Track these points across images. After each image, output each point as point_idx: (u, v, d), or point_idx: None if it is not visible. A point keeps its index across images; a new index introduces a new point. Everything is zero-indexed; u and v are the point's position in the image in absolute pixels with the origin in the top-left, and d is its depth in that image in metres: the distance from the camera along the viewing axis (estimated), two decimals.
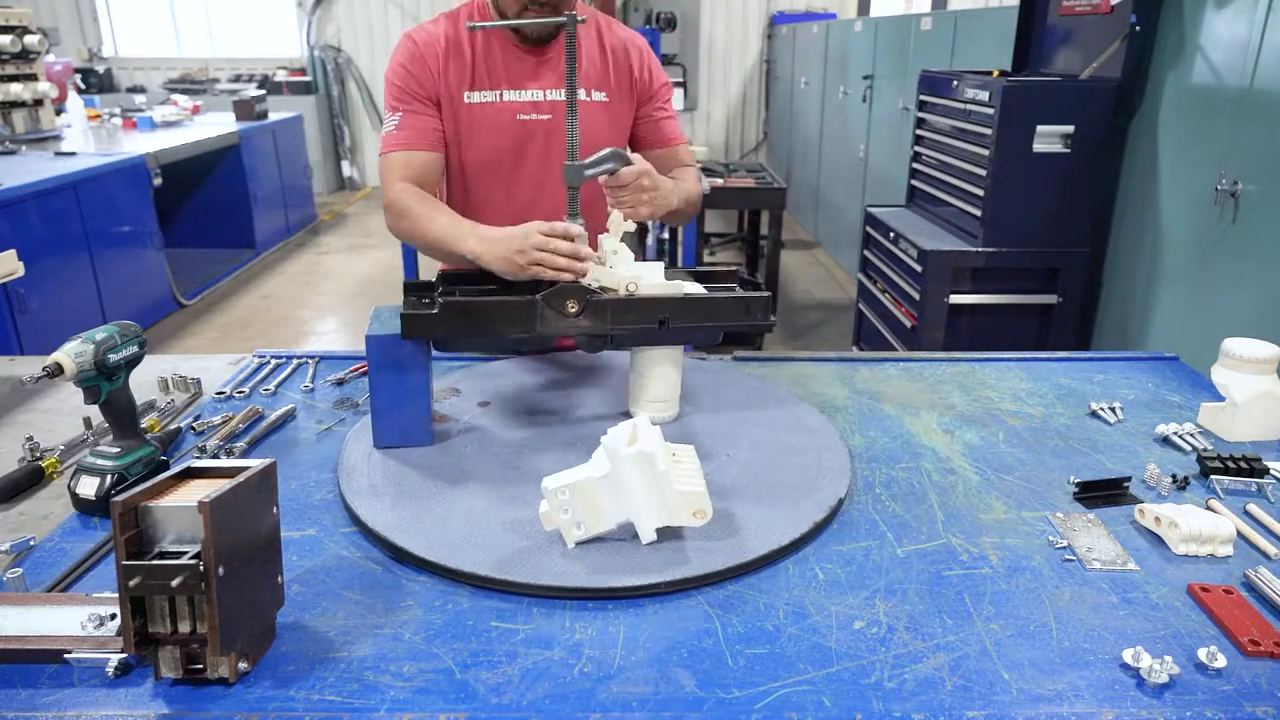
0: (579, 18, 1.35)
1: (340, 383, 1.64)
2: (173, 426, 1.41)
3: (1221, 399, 1.43)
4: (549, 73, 1.67)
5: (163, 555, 0.84)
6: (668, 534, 1.10)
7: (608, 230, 1.38)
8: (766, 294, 1.37)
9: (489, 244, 1.41)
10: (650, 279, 1.37)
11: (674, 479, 1.06)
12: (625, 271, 1.35)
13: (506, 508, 1.17)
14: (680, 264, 5.08)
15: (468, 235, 1.46)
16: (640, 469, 1.04)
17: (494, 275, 1.40)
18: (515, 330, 1.35)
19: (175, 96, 8.06)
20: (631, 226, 1.40)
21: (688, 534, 1.10)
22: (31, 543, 1.11)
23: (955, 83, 3.31)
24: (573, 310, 1.33)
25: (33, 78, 5.54)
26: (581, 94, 1.67)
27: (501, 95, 1.65)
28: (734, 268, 1.49)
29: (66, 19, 9.77)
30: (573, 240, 1.34)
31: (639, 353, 1.40)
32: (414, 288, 1.42)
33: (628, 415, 1.44)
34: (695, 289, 1.42)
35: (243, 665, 0.87)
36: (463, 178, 1.71)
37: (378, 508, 1.16)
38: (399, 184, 1.61)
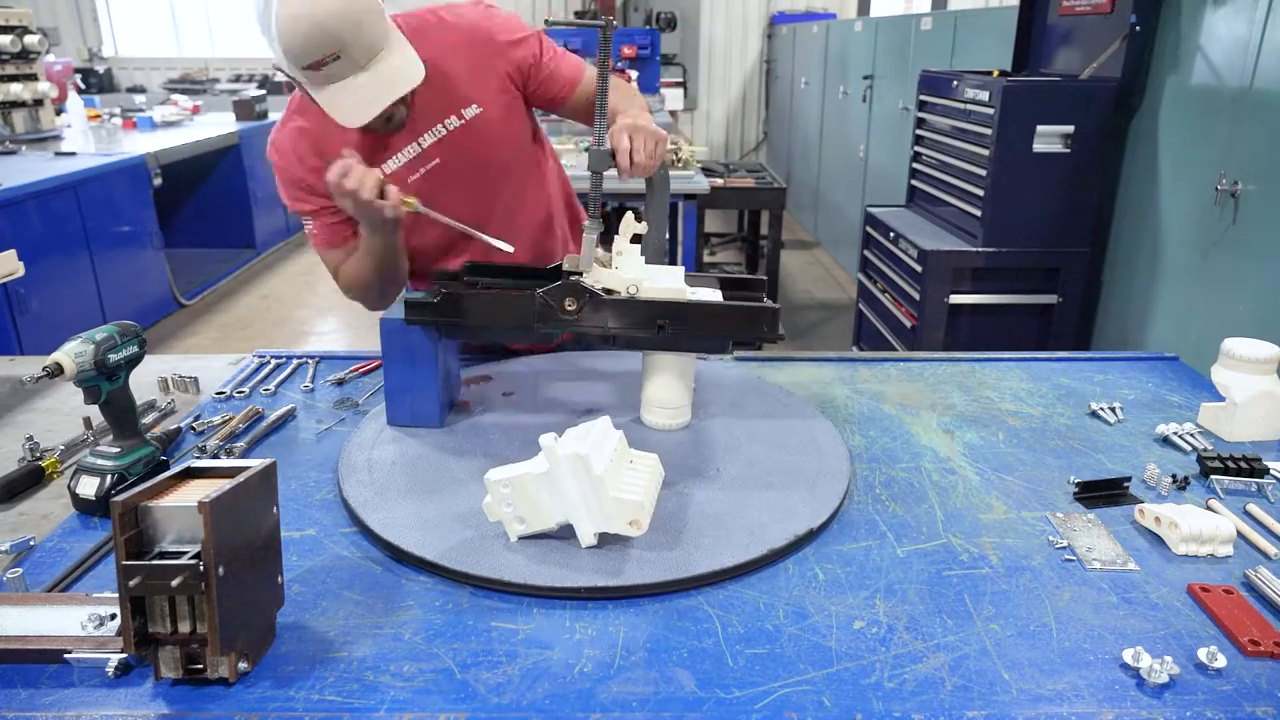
0: (614, 22, 1.30)
1: (340, 383, 1.64)
2: (173, 426, 1.41)
3: (1221, 399, 1.43)
4: (413, 124, 1.58)
5: (163, 555, 0.84)
6: (668, 534, 1.10)
7: (619, 232, 1.37)
8: (774, 306, 1.32)
9: (362, 220, 1.46)
10: (663, 282, 1.35)
11: (611, 485, 1.04)
12: (630, 273, 1.34)
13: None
14: (680, 264, 5.09)
15: (363, 243, 1.53)
16: (575, 472, 1.03)
17: (520, 266, 1.45)
18: (513, 324, 1.37)
19: (175, 96, 8.06)
20: (643, 228, 1.36)
21: (687, 534, 1.10)
22: (31, 543, 1.11)
23: (955, 83, 3.31)
24: (571, 308, 1.33)
25: (33, 78, 5.54)
26: (454, 121, 1.60)
27: (382, 169, 1.57)
28: (761, 278, 1.44)
29: (66, 19, 9.77)
30: (350, 173, 1.34)
31: (647, 358, 1.40)
32: (443, 276, 1.45)
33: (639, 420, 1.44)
34: (712, 296, 1.39)
35: (243, 665, 0.87)
36: (408, 245, 1.64)
37: (378, 508, 1.16)
38: (338, 279, 1.66)
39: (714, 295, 1.40)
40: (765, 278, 1.47)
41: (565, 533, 1.10)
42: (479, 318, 1.36)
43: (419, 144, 1.60)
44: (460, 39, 1.60)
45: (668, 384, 1.39)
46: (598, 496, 1.04)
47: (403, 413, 1.40)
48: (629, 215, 1.36)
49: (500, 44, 1.63)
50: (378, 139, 1.57)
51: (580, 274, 1.34)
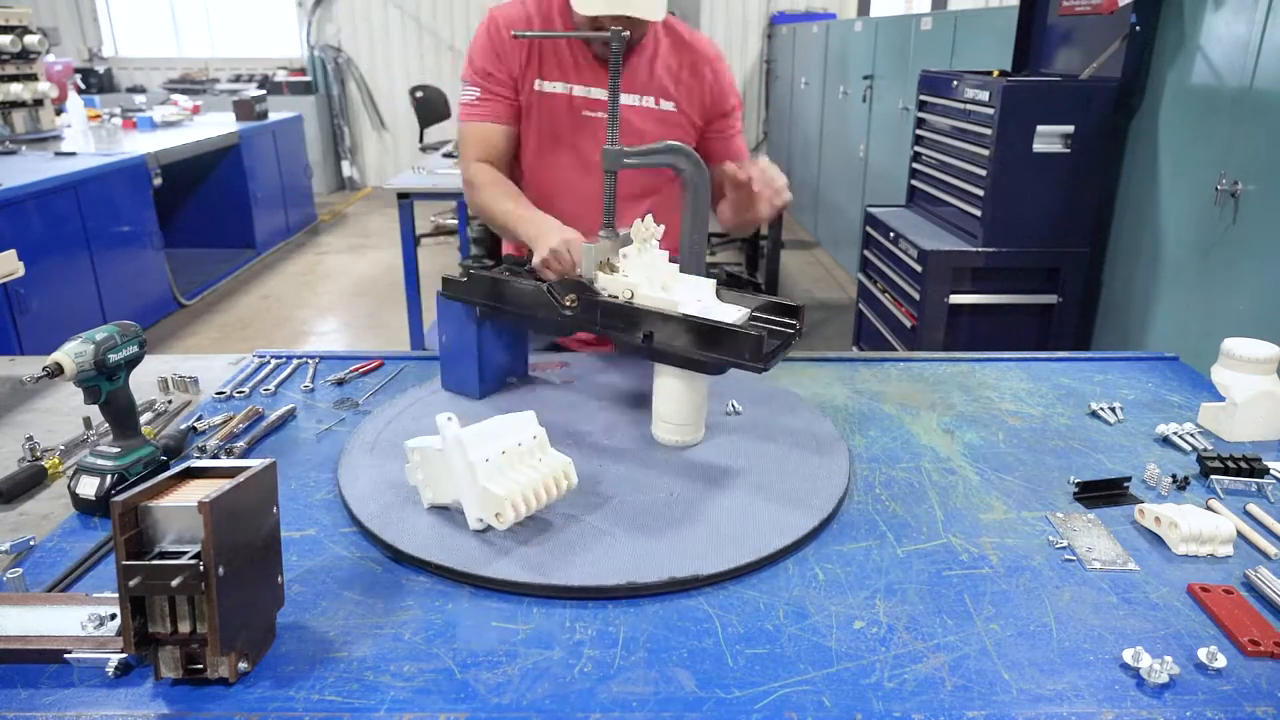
0: (625, 33, 1.35)
1: (340, 383, 1.64)
2: (183, 426, 1.41)
3: (1221, 399, 1.43)
4: (613, 78, 1.68)
5: (163, 555, 0.84)
6: (667, 534, 1.10)
7: (615, 238, 1.37)
8: (759, 334, 1.18)
9: (532, 240, 1.53)
10: (679, 293, 1.32)
11: (482, 474, 1.07)
12: (636, 277, 1.33)
13: None
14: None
15: (526, 227, 1.59)
16: (457, 453, 1.08)
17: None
18: (523, 312, 1.42)
19: (175, 96, 8.06)
20: (658, 233, 1.36)
21: (687, 534, 1.10)
22: (31, 543, 1.11)
23: (955, 83, 3.31)
24: (570, 304, 1.34)
25: (33, 78, 5.54)
26: (650, 101, 1.75)
27: (571, 89, 1.72)
28: (796, 305, 1.33)
29: (66, 19, 9.77)
30: (573, 259, 1.41)
31: (656, 371, 1.35)
32: (512, 260, 1.52)
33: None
34: (733, 315, 1.31)
35: (243, 665, 0.87)
36: (525, 164, 1.79)
37: (378, 508, 1.16)
38: (475, 163, 1.75)
39: (737, 314, 1.32)
40: (799, 305, 1.34)
41: (564, 533, 1.11)
42: (498, 300, 1.44)
43: (612, 96, 1.69)
44: (701, 58, 1.78)
45: (670, 397, 1.34)
46: (470, 482, 1.08)
47: (451, 379, 1.55)
48: (639, 222, 1.35)
49: (722, 85, 1.80)
50: (585, 66, 1.71)
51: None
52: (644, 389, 1.55)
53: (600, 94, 1.73)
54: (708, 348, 1.24)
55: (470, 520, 1.10)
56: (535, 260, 1.48)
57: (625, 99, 1.72)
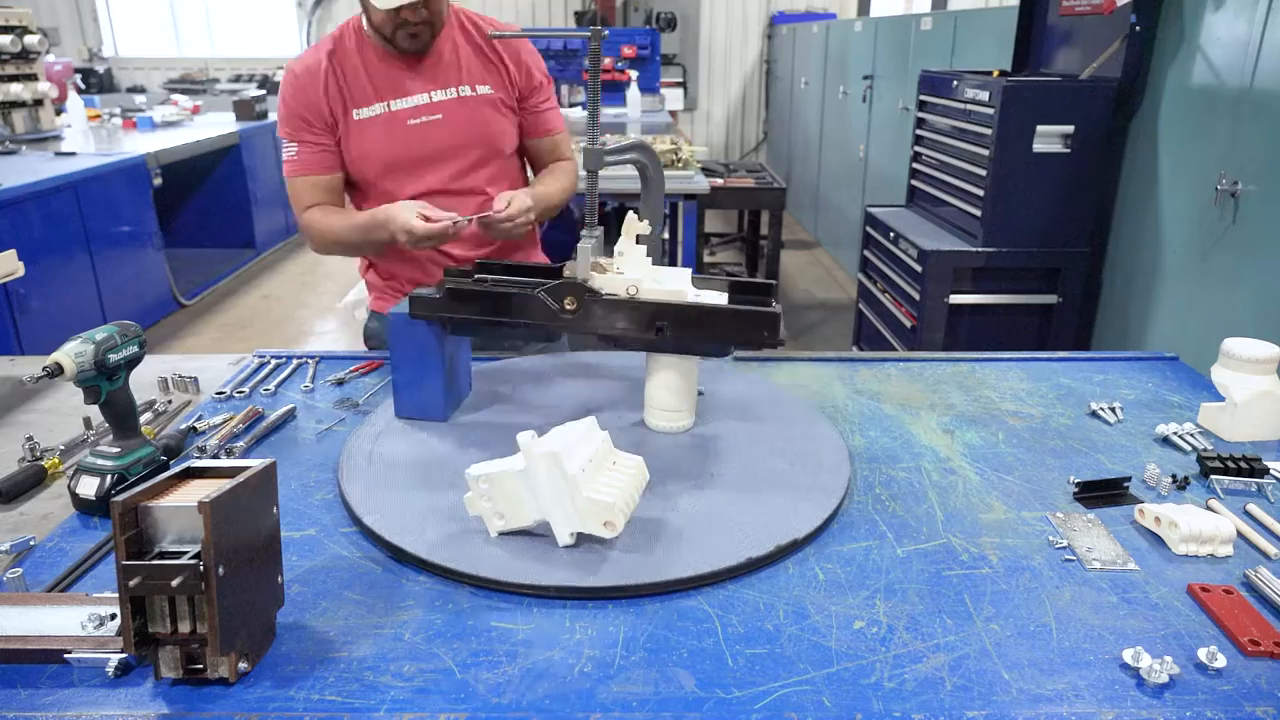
0: (604, 32, 1.37)
1: (340, 383, 1.64)
2: (183, 426, 1.41)
3: (1221, 399, 1.43)
4: (427, 77, 1.77)
5: (163, 555, 0.84)
6: (667, 534, 1.10)
7: (621, 232, 1.37)
8: (776, 311, 1.29)
9: (394, 232, 1.61)
10: (667, 284, 1.34)
11: (587, 485, 1.05)
12: (632, 273, 1.34)
13: None
14: (680, 264, 5.09)
15: (379, 229, 1.65)
16: (549, 471, 1.04)
17: (529, 265, 1.47)
18: (514, 320, 1.38)
19: (175, 96, 8.06)
20: (646, 228, 1.37)
21: (687, 534, 1.10)
22: (31, 543, 1.11)
23: (955, 83, 3.31)
24: (570, 307, 1.34)
25: (33, 78, 5.54)
26: (466, 90, 1.79)
27: (389, 105, 1.75)
28: (770, 282, 1.37)
29: (66, 19, 9.77)
30: (435, 220, 1.56)
31: (649, 360, 1.39)
32: (454, 273, 1.45)
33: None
34: (717, 299, 1.36)
35: (243, 665, 0.87)
36: (367, 191, 1.82)
37: (378, 507, 1.16)
38: (307, 211, 1.79)
39: (719, 298, 1.37)
40: (773, 281, 1.42)
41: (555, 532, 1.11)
42: (483, 313, 1.38)
43: (430, 96, 1.76)
44: (500, 40, 1.82)
45: (668, 387, 1.38)
46: (571, 496, 1.04)
47: (409, 405, 1.44)
48: (630, 215, 1.36)
49: (525, 63, 1.84)
50: (396, 77, 1.75)
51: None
52: (600, 381, 1.60)
53: (417, 99, 1.76)
54: (724, 332, 1.30)
55: (562, 537, 1.07)
56: (407, 242, 1.60)
57: (443, 94, 1.77)
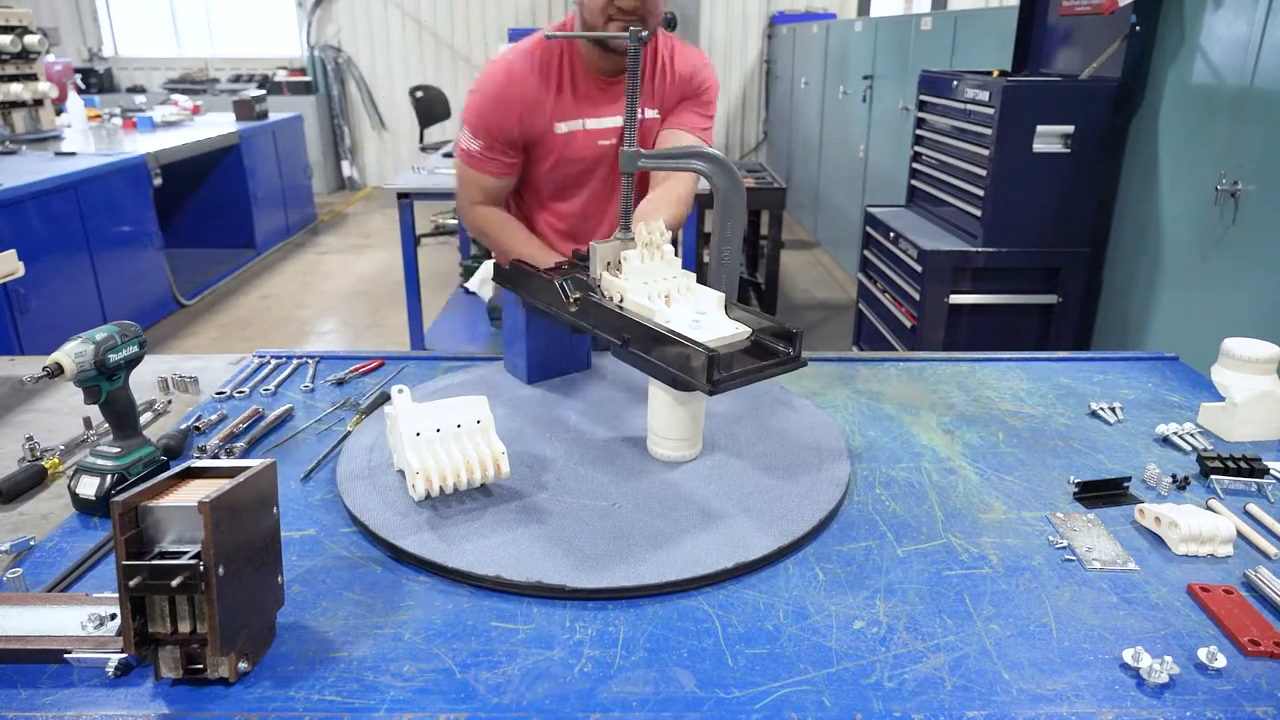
0: (644, 34, 1.36)
1: (340, 383, 1.64)
2: (183, 426, 1.41)
3: (1221, 399, 1.43)
4: (619, 96, 1.78)
5: (163, 555, 0.84)
6: (667, 534, 1.10)
7: (631, 239, 1.35)
8: (713, 351, 1.11)
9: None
10: (677, 308, 1.29)
11: (409, 446, 1.16)
12: (630, 281, 1.30)
13: (507, 507, 1.17)
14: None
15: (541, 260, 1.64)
16: (391, 426, 1.21)
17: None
18: (539, 302, 1.46)
19: (175, 96, 8.05)
20: (667, 237, 1.33)
21: (687, 534, 1.10)
22: (31, 543, 1.11)
23: (955, 83, 3.31)
24: (575, 299, 1.36)
25: (33, 78, 5.54)
26: (652, 112, 1.81)
27: (584, 124, 1.78)
28: (793, 330, 1.21)
29: (66, 19, 9.77)
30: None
31: (649, 385, 1.31)
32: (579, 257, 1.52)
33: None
34: (730, 331, 1.24)
35: (243, 665, 0.87)
36: (539, 189, 1.87)
37: (377, 507, 1.16)
38: (480, 207, 1.85)
39: (734, 331, 1.25)
40: (798, 330, 1.22)
41: (564, 533, 1.11)
42: (524, 289, 1.50)
43: (620, 117, 1.79)
44: (693, 66, 1.85)
45: (660, 412, 1.30)
46: (402, 452, 1.17)
47: (508, 361, 1.64)
48: (643, 225, 1.33)
49: (699, 77, 1.85)
50: (596, 96, 1.78)
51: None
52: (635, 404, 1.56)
53: (611, 121, 1.79)
54: (666, 360, 1.19)
55: (409, 488, 1.18)
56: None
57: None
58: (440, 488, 1.16)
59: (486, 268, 2.17)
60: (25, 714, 0.84)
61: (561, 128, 1.78)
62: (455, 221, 7.18)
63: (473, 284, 2.59)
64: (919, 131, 3.71)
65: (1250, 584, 1.04)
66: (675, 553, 1.07)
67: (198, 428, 1.43)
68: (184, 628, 0.85)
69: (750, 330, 1.26)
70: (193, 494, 0.86)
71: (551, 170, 1.84)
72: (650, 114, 1.83)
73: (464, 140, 1.81)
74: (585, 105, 1.78)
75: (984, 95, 3.08)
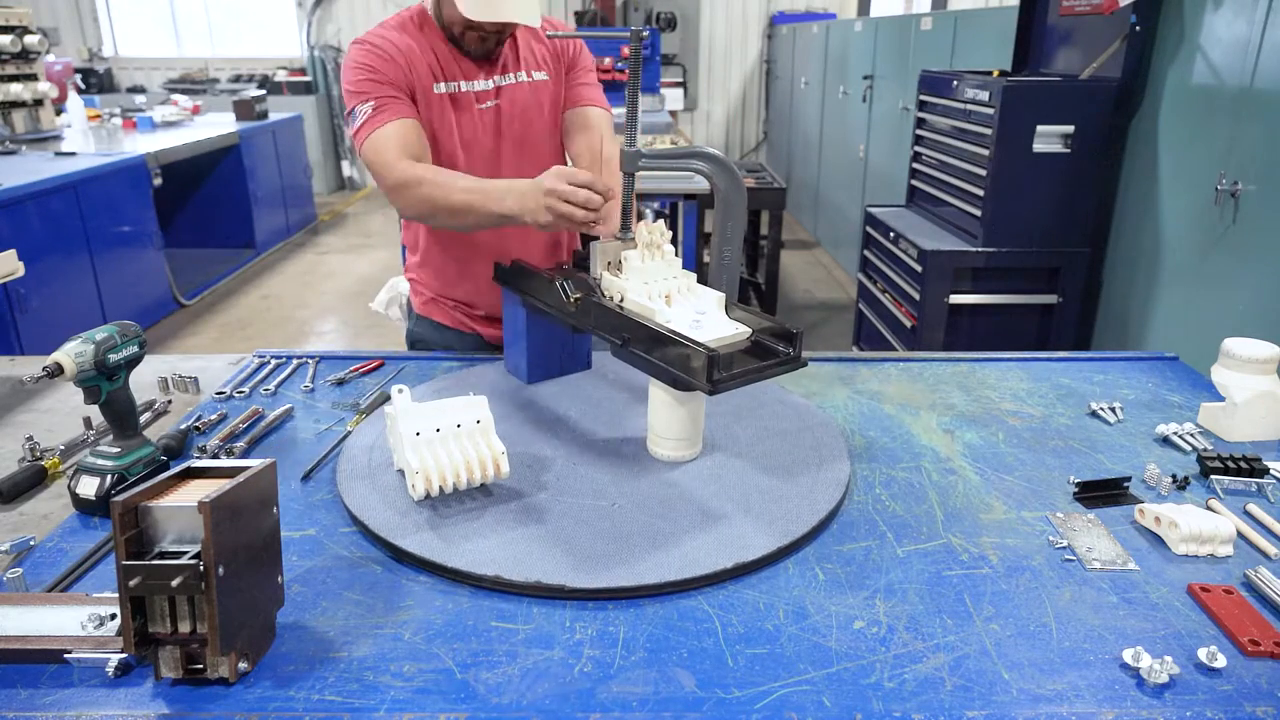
0: (644, 32, 1.35)
1: (340, 383, 1.64)
2: (183, 426, 1.41)
3: (1221, 399, 1.43)
4: (492, 65, 1.75)
5: (163, 555, 0.84)
6: (667, 534, 1.10)
7: (632, 239, 1.35)
8: (713, 352, 1.11)
9: (523, 198, 1.45)
10: (678, 307, 1.29)
11: (409, 445, 1.16)
12: (630, 281, 1.30)
13: (507, 507, 1.17)
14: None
15: (504, 195, 1.48)
16: (391, 425, 1.22)
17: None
18: (540, 300, 1.45)
19: (175, 96, 8.06)
20: (667, 236, 1.33)
21: (687, 534, 1.10)
22: (31, 543, 1.11)
23: (955, 83, 3.31)
24: (574, 298, 1.35)
25: (33, 78, 5.54)
26: (524, 75, 1.77)
27: (459, 86, 1.72)
28: (793, 330, 1.22)
29: (66, 19, 9.77)
30: (589, 186, 1.37)
31: (649, 385, 1.31)
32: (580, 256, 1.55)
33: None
34: (729, 331, 1.24)
35: (243, 665, 0.87)
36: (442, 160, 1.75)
37: (377, 507, 1.16)
38: (401, 162, 1.58)
39: (734, 331, 1.25)
40: (798, 330, 1.22)
41: (565, 533, 1.11)
42: (530, 293, 1.49)
43: (493, 81, 1.75)
44: (551, 27, 1.79)
45: (661, 413, 1.30)
46: (402, 451, 1.18)
47: (509, 361, 1.65)
48: (642, 224, 1.34)
49: (575, 45, 1.84)
50: (460, 63, 1.72)
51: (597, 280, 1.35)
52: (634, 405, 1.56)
53: (483, 84, 1.73)
54: (666, 360, 1.19)
55: (409, 487, 1.18)
56: (542, 216, 1.40)
57: (504, 80, 1.75)
58: (440, 487, 1.16)
59: (393, 284, 2.09)
60: (25, 714, 0.84)
61: (440, 88, 1.70)
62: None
63: (377, 303, 2.26)
64: (919, 131, 3.71)
65: (1250, 584, 1.04)
66: (675, 553, 1.07)
67: (198, 428, 1.43)
68: (184, 628, 0.85)
69: (750, 330, 1.26)
70: (193, 494, 0.86)
71: (445, 139, 1.71)
72: (538, 76, 1.79)
73: (359, 115, 1.62)
74: (457, 70, 1.71)
75: (984, 95, 3.08)
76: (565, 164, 1.87)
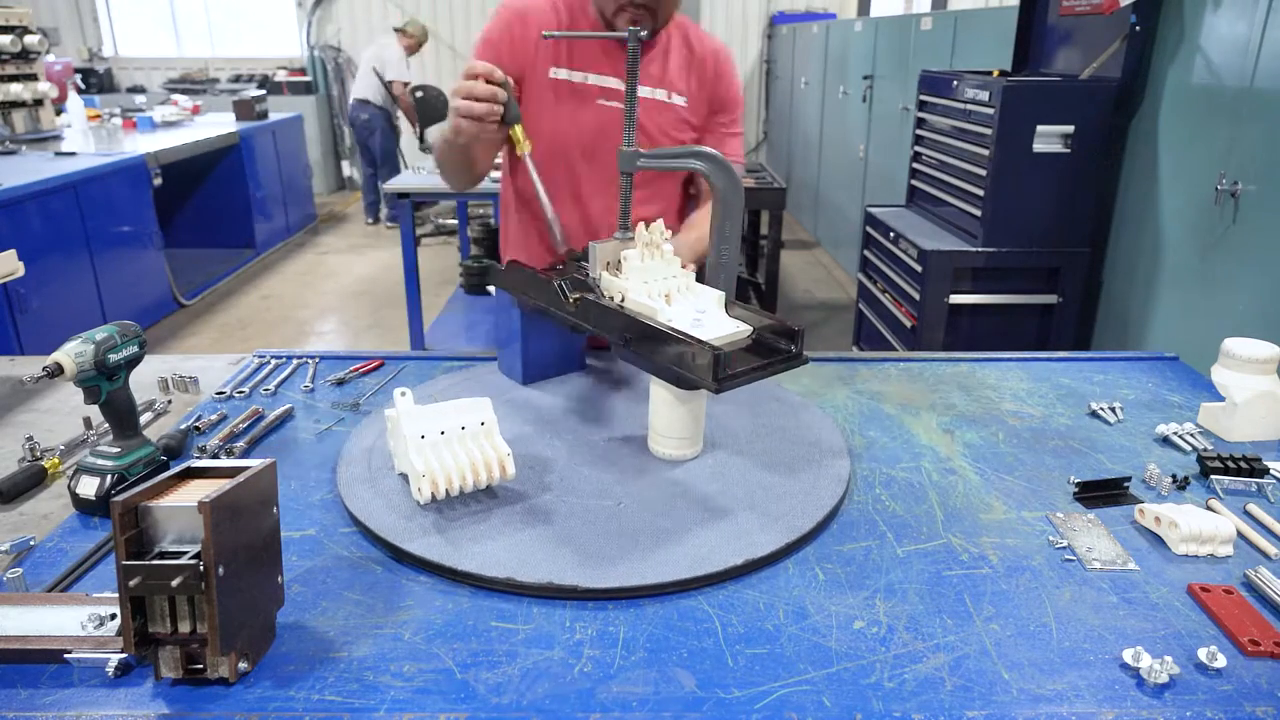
0: (642, 33, 1.34)
1: (340, 383, 1.64)
2: (183, 426, 1.41)
3: (1221, 399, 1.43)
4: (629, 70, 1.69)
5: (163, 555, 0.84)
6: (667, 534, 1.10)
7: (631, 239, 1.35)
8: (718, 350, 1.10)
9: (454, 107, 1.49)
10: (677, 305, 1.28)
11: (414, 448, 1.15)
12: (631, 280, 1.30)
13: (513, 509, 1.17)
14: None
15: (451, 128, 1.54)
16: (394, 428, 1.21)
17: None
18: (537, 301, 1.45)
19: (175, 96, 8.06)
20: (661, 236, 1.33)
21: (687, 534, 1.10)
22: (31, 543, 1.11)
23: (955, 83, 3.31)
24: (574, 299, 1.35)
25: (33, 78, 5.54)
26: (663, 94, 1.73)
27: (587, 78, 1.69)
28: (794, 328, 1.22)
29: (66, 19, 9.78)
30: (486, 75, 1.43)
31: (650, 384, 1.31)
32: (575, 257, 1.53)
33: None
34: (731, 330, 1.24)
35: (243, 665, 0.87)
36: (539, 154, 1.71)
37: (378, 508, 1.16)
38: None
39: (735, 329, 1.25)
40: (799, 328, 1.22)
41: (565, 533, 1.11)
42: (522, 289, 1.49)
43: (629, 96, 1.69)
44: (708, 52, 1.78)
45: (663, 411, 1.30)
46: (406, 455, 1.17)
47: (502, 363, 1.64)
48: (641, 225, 1.33)
49: (724, 80, 1.78)
50: (605, 53, 1.69)
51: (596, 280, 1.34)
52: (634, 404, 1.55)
53: (617, 83, 1.69)
54: (668, 359, 1.19)
55: (414, 492, 1.17)
56: (457, 122, 1.47)
57: (641, 89, 1.67)
58: (446, 490, 1.15)
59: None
60: (25, 714, 0.84)
61: (559, 73, 1.68)
62: (455, 221, 7.18)
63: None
64: (919, 131, 3.71)
65: (1250, 584, 1.04)
66: (684, 550, 1.06)
67: (198, 428, 1.43)
68: (184, 628, 0.85)
69: (752, 328, 1.26)
70: (193, 494, 0.86)
71: (543, 124, 1.69)
72: (656, 94, 1.72)
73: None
74: (590, 60, 1.68)
75: (984, 95, 3.08)
76: (676, 198, 1.85)
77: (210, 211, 6.57)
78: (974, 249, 3.12)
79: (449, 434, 1.18)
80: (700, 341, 1.14)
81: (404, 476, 1.22)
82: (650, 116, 1.73)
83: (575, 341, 1.63)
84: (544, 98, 1.70)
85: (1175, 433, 1.42)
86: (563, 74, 1.69)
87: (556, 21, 1.70)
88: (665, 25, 1.70)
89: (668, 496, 1.20)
